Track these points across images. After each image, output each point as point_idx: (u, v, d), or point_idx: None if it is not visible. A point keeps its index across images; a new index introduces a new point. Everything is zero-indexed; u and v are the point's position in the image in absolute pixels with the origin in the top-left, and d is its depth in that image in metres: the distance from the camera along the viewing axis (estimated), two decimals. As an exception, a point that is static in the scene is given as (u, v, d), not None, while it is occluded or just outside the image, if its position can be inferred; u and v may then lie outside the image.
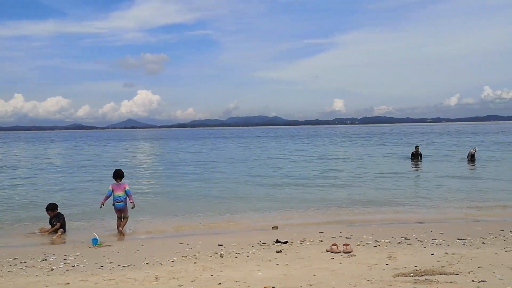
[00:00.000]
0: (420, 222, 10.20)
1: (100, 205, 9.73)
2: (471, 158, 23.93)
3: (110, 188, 9.75)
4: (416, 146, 26.52)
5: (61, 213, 10.18)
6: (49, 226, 10.02)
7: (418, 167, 23.25)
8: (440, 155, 30.13)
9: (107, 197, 9.69)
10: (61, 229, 9.86)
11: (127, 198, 9.76)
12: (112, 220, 10.46)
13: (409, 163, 24.77)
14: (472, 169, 22.02)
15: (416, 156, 25.49)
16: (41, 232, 9.94)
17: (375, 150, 38.58)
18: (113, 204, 9.72)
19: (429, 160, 26.04)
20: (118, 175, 9.84)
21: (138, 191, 15.55)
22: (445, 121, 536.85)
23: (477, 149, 24.93)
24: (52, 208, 10.09)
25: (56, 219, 9.99)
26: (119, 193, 9.67)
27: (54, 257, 7.35)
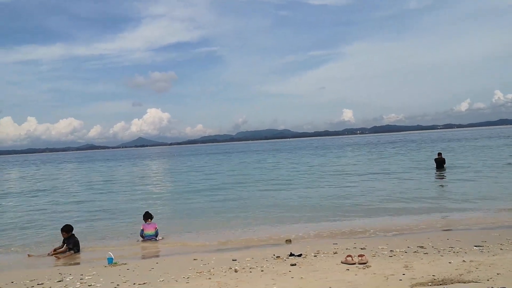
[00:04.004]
0: (437, 230, 10.09)
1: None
2: None
3: (142, 227, 11.09)
4: (438, 153, 25.59)
5: (75, 235, 10.27)
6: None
7: (442, 175, 22.56)
8: (469, 162, 29.18)
9: (141, 236, 11.01)
10: (71, 251, 9.93)
11: (156, 236, 11.06)
12: (125, 238, 11.52)
13: (432, 171, 24.17)
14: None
15: (439, 163, 24.66)
16: (51, 253, 9.98)
17: (392, 158, 38.37)
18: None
19: (455, 167, 25.49)
20: (148, 216, 11.30)
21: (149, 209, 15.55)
22: (457, 127, 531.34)
23: None
24: (67, 229, 10.21)
25: (69, 241, 10.08)
26: (149, 231, 11.01)
27: (70, 277, 7.39)
